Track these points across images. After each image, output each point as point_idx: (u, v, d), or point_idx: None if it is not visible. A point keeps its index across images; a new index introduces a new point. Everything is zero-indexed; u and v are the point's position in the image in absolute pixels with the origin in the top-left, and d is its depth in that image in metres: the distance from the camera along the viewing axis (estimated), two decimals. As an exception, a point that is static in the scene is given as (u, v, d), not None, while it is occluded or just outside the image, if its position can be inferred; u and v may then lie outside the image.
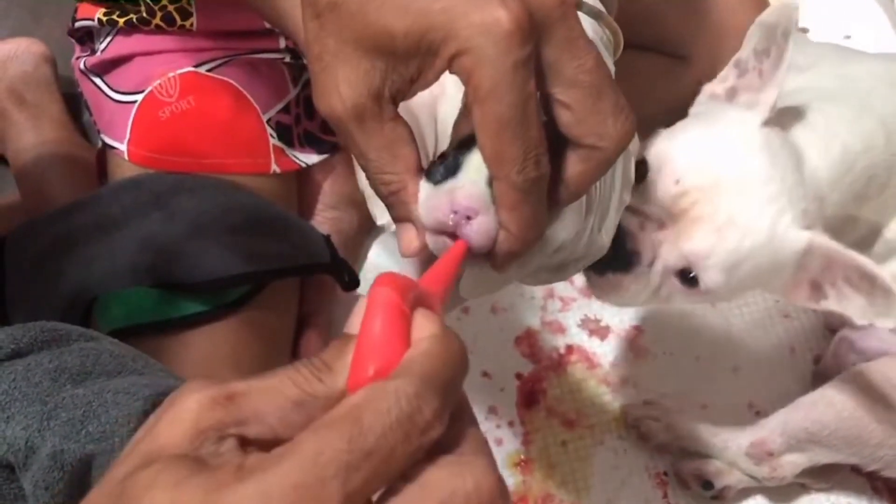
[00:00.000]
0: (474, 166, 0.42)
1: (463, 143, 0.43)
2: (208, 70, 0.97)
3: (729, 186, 0.69)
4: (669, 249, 0.70)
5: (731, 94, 0.76)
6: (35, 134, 1.15)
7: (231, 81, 0.98)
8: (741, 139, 0.72)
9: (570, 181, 0.43)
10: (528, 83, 0.39)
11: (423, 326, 0.35)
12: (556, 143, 0.42)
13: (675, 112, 1.10)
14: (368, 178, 0.43)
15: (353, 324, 0.36)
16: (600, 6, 0.55)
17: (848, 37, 1.24)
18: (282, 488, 0.29)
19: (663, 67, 1.10)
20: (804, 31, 1.23)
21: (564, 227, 0.49)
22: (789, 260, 0.71)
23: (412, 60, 0.40)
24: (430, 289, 0.38)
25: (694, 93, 1.06)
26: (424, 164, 0.44)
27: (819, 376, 0.92)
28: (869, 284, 0.68)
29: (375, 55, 0.40)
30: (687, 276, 0.71)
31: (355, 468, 0.30)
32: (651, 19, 1.07)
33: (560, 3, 0.40)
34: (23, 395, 0.58)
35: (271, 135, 1.00)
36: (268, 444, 0.32)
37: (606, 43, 0.55)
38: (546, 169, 0.41)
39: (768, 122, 0.73)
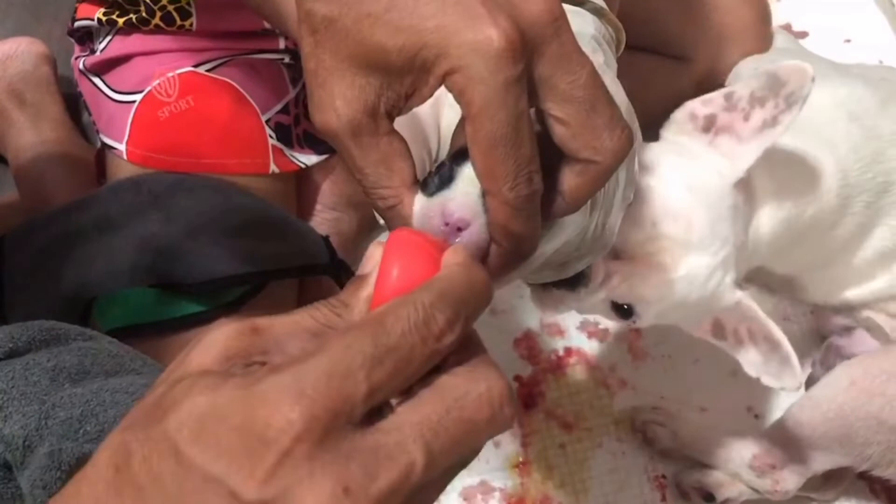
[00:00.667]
0: (468, 178, 0.42)
1: (458, 154, 0.43)
2: (208, 70, 0.97)
3: (695, 244, 0.70)
4: (619, 284, 0.71)
5: (709, 123, 0.75)
6: (34, 133, 1.15)
7: (230, 81, 0.97)
8: (717, 196, 0.73)
9: (566, 194, 0.44)
10: (520, 101, 0.39)
11: (452, 256, 0.39)
12: (553, 156, 0.43)
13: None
14: (365, 192, 0.44)
15: (366, 266, 0.40)
16: (602, 3, 0.55)
17: (848, 41, 1.24)
18: (314, 375, 0.33)
19: (663, 68, 1.10)
20: (803, 34, 1.23)
21: (567, 227, 0.49)
22: (715, 310, 0.75)
23: (406, 77, 0.40)
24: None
25: (693, 93, 1.07)
26: (421, 175, 0.44)
27: (810, 383, 0.92)
28: (769, 348, 0.72)
29: (370, 71, 0.41)
30: (622, 308, 0.73)
31: (379, 361, 0.34)
32: (652, 20, 1.07)
33: (552, 19, 0.40)
34: (21, 393, 0.58)
35: (270, 135, 1.00)
36: None
37: (609, 39, 0.55)
38: (538, 186, 0.41)
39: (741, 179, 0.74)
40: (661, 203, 0.70)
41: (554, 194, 0.43)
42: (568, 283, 0.71)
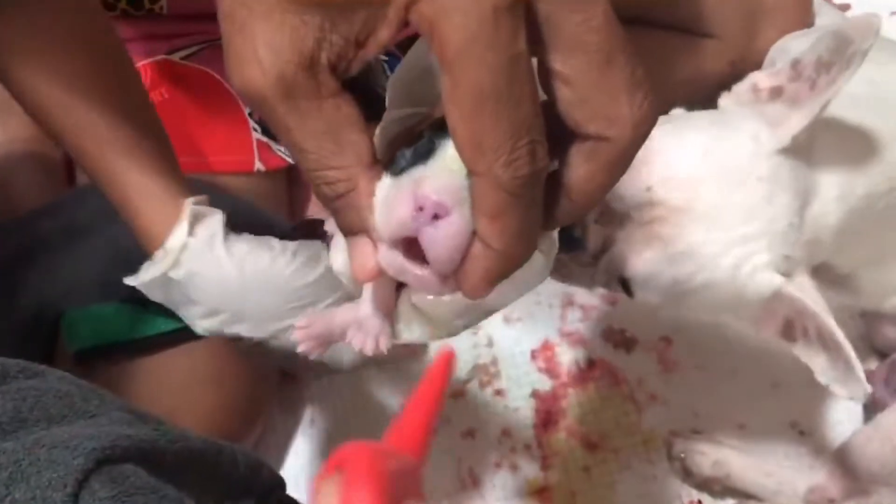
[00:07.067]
0: (453, 153, 0.32)
1: (442, 123, 0.32)
2: (183, 58, 0.92)
3: (701, 215, 0.63)
4: (617, 256, 0.65)
5: (775, 94, 0.67)
6: (2, 131, 1.08)
7: (208, 70, 0.92)
8: (744, 164, 0.64)
9: (573, 188, 0.33)
10: (517, 38, 0.29)
11: None
12: (555, 139, 0.32)
13: (700, 100, 1.01)
14: (306, 174, 0.33)
15: None
16: None
17: (895, 13, 1.16)
18: None
19: (689, 47, 1.00)
20: (846, 7, 1.14)
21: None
22: (753, 302, 0.66)
23: (357, 13, 0.30)
24: (404, 448, 0.32)
25: (727, 75, 0.98)
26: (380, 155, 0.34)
27: (870, 406, 0.85)
28: (835, 348, 0.63)
29: (307, 7, 0.30)
30: (627, 285, 0.66)
31: None
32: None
33: None
34: (-61, 450, 0.49)
35: (254, 129, 0.94)
36: None
37: None
38: (544, 162, 0.31)
39: (789, 149, 0.65)
40: (663, 166, 0.63)
41: (556, 191, 0.33)
42: (563, 247, 0.66)
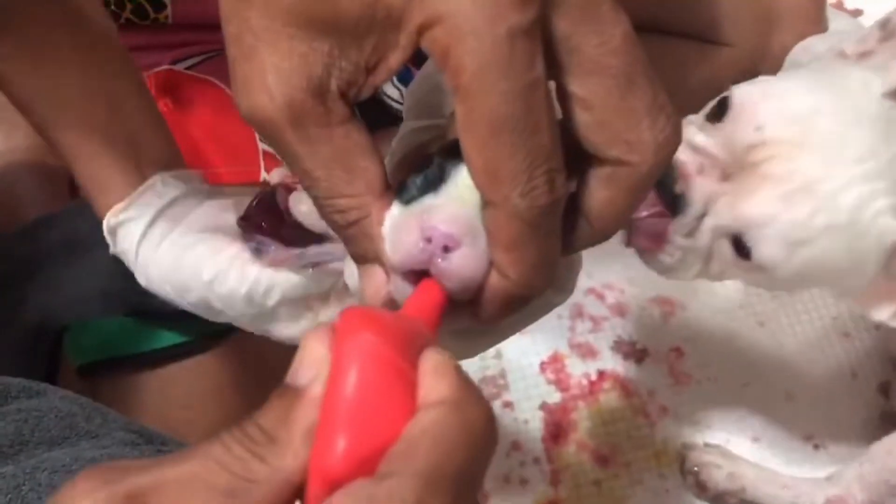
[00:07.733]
0: (465, 181, 0.31)
1: (454, 146, 0.32)
2: (187, 68, 0.91)
3: (817, 149, 0.58)
4: (725, 206, 0.60)
5: (864, 59, 0.64)
6: (5, 141, 1.07)
7: (213, 80, 0.91)
8: (853, 103, 0.60)
9: (592, 214, 0.32)
10: (534, 63, 0.28)
11: (433, 386, 0.26)
12: (574, 163, 0.32)
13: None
14: (317, 204, 0.33)
15: (303, 371, 0.27)
16: None
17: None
18: None
19: (701, 54, 1.00)
20: (857, 13, 1.12)
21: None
22: (872, 255, 0.60)
23: (367, 38, 0.29)
24: (418, 318, 0.30)
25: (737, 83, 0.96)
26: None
27: (890, 416, 0.81)
28: None
29: (315, 33, 0.29)
30: (740, 244, 0.61)
31: None
32: (687, 0, 0.96)
33: None
34: (-62, 475, 0.48)
35: (260, 139, 0.92)
36: None
37: None
38: (563, 191, 0.30)
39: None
40: (774, 103, 0.59)
41: (574, 217, 0.32)
42: (667, 208, 0.61)
